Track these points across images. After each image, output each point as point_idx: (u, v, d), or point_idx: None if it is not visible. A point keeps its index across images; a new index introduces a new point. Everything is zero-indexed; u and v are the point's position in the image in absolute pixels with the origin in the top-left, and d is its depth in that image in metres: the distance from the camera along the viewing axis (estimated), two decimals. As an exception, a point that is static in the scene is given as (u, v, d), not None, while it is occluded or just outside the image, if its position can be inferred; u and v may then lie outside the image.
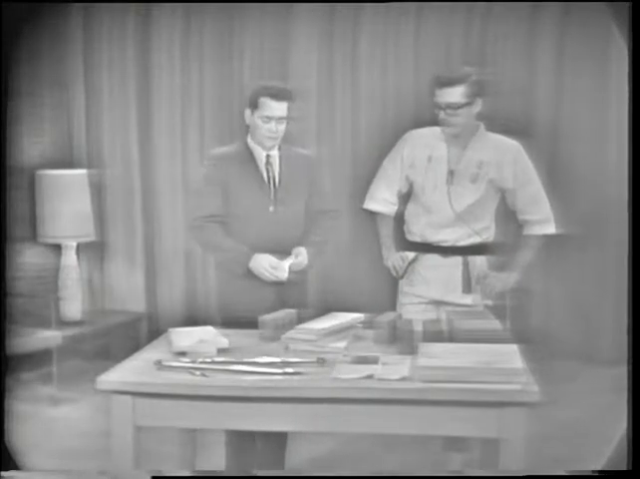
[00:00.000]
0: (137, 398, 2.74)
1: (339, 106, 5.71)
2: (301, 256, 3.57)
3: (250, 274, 3.53)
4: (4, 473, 2.83)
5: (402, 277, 3.85)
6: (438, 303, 3.78)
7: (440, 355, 2.78)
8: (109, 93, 5.98)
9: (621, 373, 3.59)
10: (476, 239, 3.77)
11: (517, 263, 3.82)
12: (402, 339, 3.07)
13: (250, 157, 3.64)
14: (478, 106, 3.65)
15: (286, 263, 3.52)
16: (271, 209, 3.60)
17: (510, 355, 2.80)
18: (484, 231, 3.81)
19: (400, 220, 3.92)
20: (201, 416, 2.76)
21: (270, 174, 3.64)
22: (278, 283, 3.55)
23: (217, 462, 3.68)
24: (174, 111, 5.93)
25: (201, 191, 3.65)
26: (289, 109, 3.55)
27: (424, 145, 3.78)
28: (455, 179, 3.73)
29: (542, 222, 3.81)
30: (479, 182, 3.72)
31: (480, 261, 3.80)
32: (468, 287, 3.77)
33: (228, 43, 5.81)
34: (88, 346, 5.57)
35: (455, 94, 3.57)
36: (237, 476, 3.57)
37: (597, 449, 3.51)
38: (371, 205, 3.92)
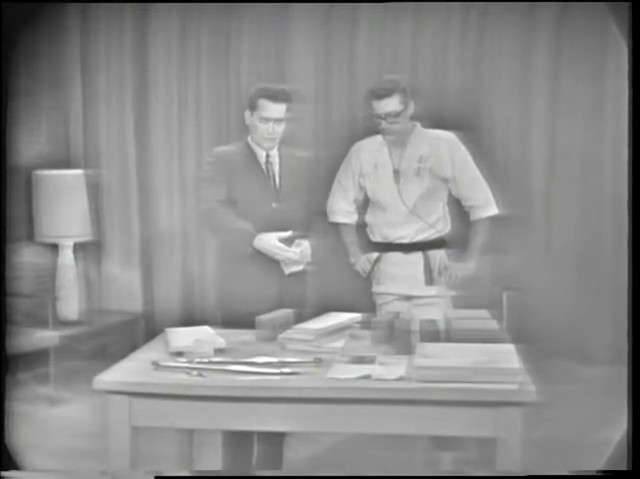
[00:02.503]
0: (133, 398, 2.74)
1: (336, 106, 5.70)
2: (303, 247, 3.58)
3: (256, 256, 3.52)
4: (4, 473, 2.82)
5: (368, 277, 4.09)
6: (407, 298, 3.99)
7: (437, 355, 2.78)
8: (106, 93, 5.98)
9: (618, 373, 3.60)
10: (432, 233, 3.98)
11: (472, 251, 4.03)
12: (399, 339, 3.07)
13: (252, 155, 3.65)
14: (411, 109, 3.87)
15: (295, 248, 3.56)
16: (274, 205, 3.61)
17: (507, 355, 2.80)
18: (439, 222, 4.00)
19: (364, 225, 4.13)
20: (198, 416, 2.76)
21: (271, 172, 3.65)
22: (282, 277, 3.58)
23: (214, 462, 3.68)
24: (171, 111, 5.92)
25: (207, 181, 3.66)
26: (287, 110, 3.56)
27: (368, 153, 4.01)
28: (401, 177, 3.94)
29: (484, 205, 4.02)
30: (421, 174, 3.93)
31: (440, 255, 4.00)
32: (430, 280, 3.98)
33: (225, 43, 5.80)
34: (85, 346, 5.56)
35: (392, 103, 3.80)
36: (238, 476, 3.57)
37: (595, 449, 3.52)
38: (332, 217, 4.11)
